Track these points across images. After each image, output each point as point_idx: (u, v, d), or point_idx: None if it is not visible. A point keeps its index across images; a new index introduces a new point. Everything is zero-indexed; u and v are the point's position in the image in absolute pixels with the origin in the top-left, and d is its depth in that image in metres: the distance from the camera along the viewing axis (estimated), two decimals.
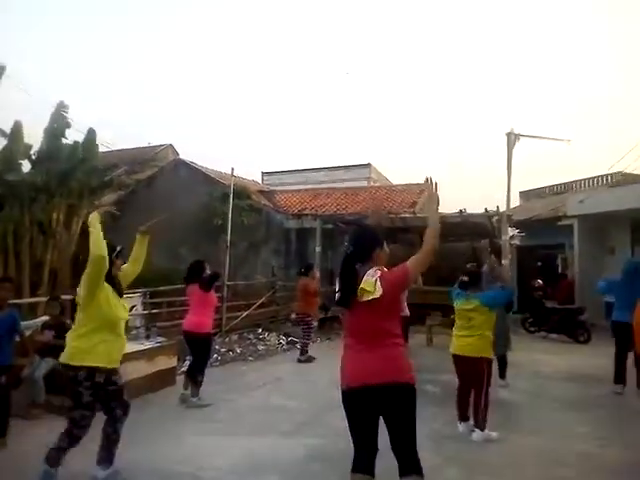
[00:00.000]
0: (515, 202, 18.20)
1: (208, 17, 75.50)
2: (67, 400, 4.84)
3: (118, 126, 52.74)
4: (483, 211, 11.91)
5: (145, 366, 5.88)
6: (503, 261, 11.19)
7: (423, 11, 71.38)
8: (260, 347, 9.19)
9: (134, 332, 7.63)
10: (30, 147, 12.17)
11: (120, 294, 3.57)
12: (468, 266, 6.37)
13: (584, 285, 12.09)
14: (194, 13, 73.70)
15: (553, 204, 15.49)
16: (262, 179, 22.66)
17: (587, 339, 9.92)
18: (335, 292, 2.74)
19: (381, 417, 2.59)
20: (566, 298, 12.26)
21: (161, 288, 9.53)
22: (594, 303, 10.38)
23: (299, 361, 8.11)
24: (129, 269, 3.78)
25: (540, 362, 8.01)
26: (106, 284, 3.40)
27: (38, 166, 12.08)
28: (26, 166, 12.25)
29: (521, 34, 64.94)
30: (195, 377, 5.55)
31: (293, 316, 9.70)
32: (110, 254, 3.39)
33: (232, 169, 11.79)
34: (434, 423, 4.82)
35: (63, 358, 3.37)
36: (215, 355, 7.90)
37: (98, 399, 3.35)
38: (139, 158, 18.30)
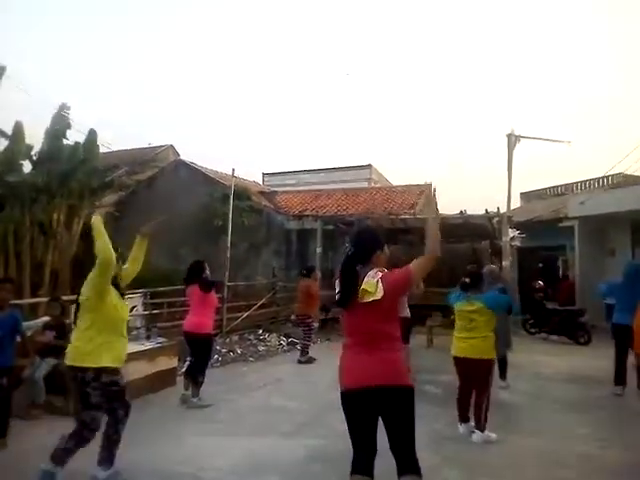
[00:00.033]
0: (516, 203, 18.24)
1: (208, 17, 75.69)
2: (65, 401, 4.91)
3: (118, 126, 52.87)
4: (484, 212, 11.94)
5: (146, 367, 5.88)
6: (504, 262, 11.21)
7: (423, 12, 71.51)
8: (261, 348, 9.19)
9: (135, 333, 7.62)
10: (31, 148, 12.15)
11: (121, 294, 3.58)
12: (469, 267, 6.36)
13: (585, 287, 12.10)
14: (194, 13, 73.89)
15: (554, 205, 15.50)
16: (263, 180, 22.69)
17: (587, 341, 9.91)
18: (335, 293, 2.74)
19: (380, 418, 2.60)
20: (567, 299, 12.29)
21: (161, 289, 9.53)
22: (594, 305, 10.35)
23: (299, 362, 8.11)
24: (128, 269, 3.78)
25: (540, 363, 8.00)
26: (110, 285, 3.40)
27: (39, 167, 12.07)
28: (27, 167, 12.27)
29: (521, 35, 65.07)
30: (196, 378, 5.55)
31: (293, 317, 9.71)
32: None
33: (233, 170, 11.80)
34: (434, 424, 4.81)
35: (69, 359, 3.37)
36: (216, 356, 7.90)
37: (106, 399, 3.35)
38: (139, 159, 18.35)
